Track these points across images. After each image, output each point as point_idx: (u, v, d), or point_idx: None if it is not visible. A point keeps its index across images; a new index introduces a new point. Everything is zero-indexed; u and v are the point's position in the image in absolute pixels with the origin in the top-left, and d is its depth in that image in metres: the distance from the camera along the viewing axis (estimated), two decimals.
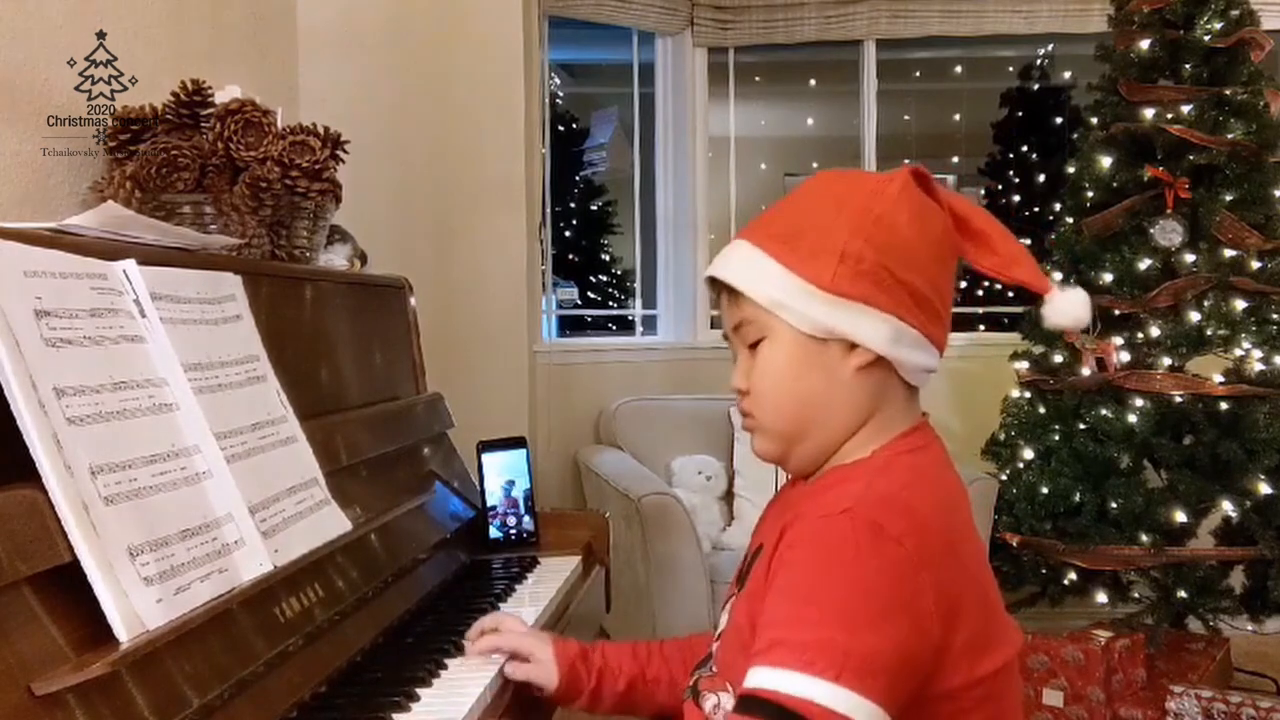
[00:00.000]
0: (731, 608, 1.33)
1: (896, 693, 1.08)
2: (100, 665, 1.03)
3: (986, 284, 5.01)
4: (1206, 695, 3.21)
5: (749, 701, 1.08)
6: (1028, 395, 4.03)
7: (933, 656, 1.12)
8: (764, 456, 1.32)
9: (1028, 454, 3.92)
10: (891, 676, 1.07)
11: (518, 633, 1.56)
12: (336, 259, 2.33)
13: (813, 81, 6.84)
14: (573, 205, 5.99)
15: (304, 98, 3.01)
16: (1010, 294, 1.29)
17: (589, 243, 6.32)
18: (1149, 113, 3.80)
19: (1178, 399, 3.66)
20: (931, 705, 1.13)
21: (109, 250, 1.37)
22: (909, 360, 1.24)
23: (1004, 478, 3.93)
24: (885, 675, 1.06)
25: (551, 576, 2.08)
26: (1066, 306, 1.30)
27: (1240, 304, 3.70)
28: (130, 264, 1.35)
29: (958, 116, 7.10)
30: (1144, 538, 3.61)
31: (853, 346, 1.22)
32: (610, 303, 6.05)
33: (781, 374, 1.25)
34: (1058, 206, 4.31)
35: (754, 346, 1.27)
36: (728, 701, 1.26)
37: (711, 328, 5.08)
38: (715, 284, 1.31)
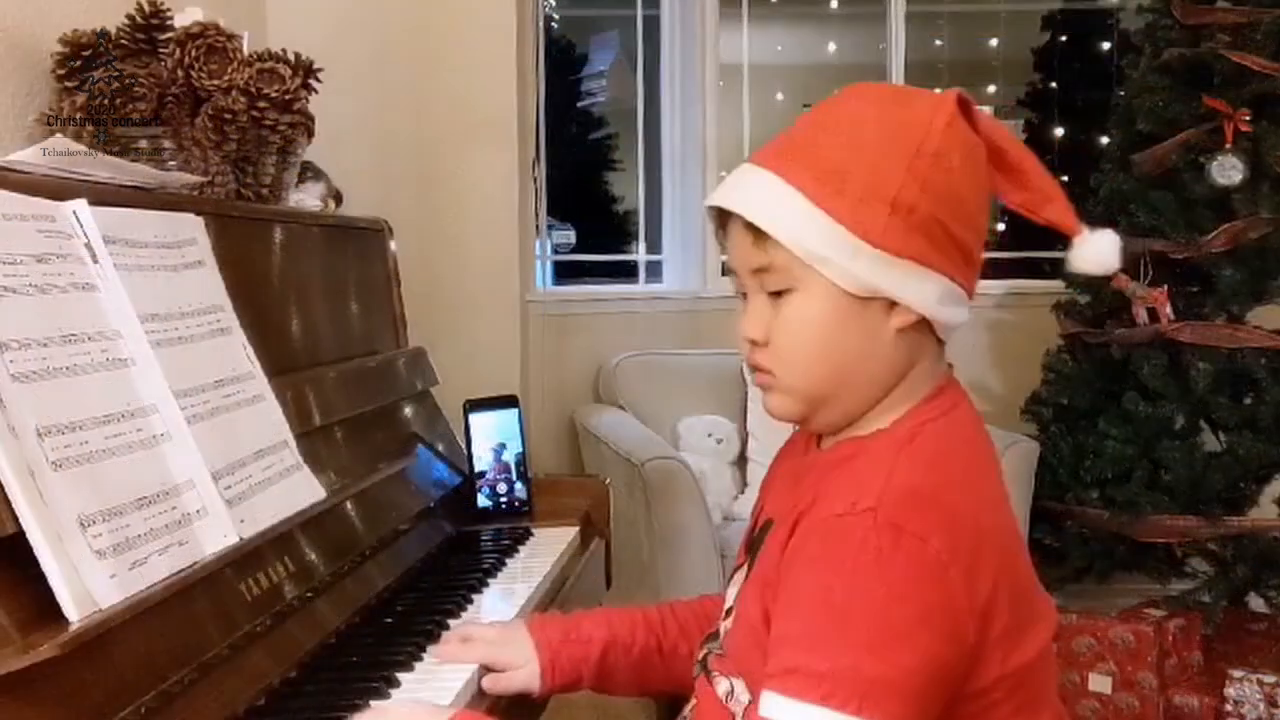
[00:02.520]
0: (741, 593, 1.31)
1: (927, 709, 1.08)
2: (49, 647, 1.03)
3: (1025, 225, 5.00)
4: (1270, 681, 3.21)
5: None
6: (1071, 349, 4.03)
7: (968, 660, 1.10)
8: (780, 416, 1.28)
9: (1072, 415, 3.91)
10: (920, 694, 1.06)
11: (487, 640, 1.50)
12: (308, 199, 2.33)
13: (834, 3, 6.80)
14: (569, 139, 5.97)
15: (272, 21, 2.99)
16: (1053, 238, 1.27)
17: (587, 181, 6.31)
18: (1206, 37, 3.76)
19: (1238, 353, 3.65)
20: (958, 705, 1.12)
21: (57, 189, 1.36)
22: (950, 319, 1.22)
23: (1045, 441, 3.92)
24: (913, 696, 1.05)
25: (546, 550, 2.08)
26: (1094, 250, 1.28)
27: None
28: (81, 204, 1.35)
29: (995, 41, 7.04)
30: (1200, 507, 3.62)
31: (893, 305, 1.19)
32: (611, 247, 6.04)
33: (814, 332, 1.20)
34: (1104, 140, 4.29)
35: (776, 294, 1.22)
36: (741, 691, 1.25)
37: (723, 274, 5.06)
38: (724, 214, 1.24)
